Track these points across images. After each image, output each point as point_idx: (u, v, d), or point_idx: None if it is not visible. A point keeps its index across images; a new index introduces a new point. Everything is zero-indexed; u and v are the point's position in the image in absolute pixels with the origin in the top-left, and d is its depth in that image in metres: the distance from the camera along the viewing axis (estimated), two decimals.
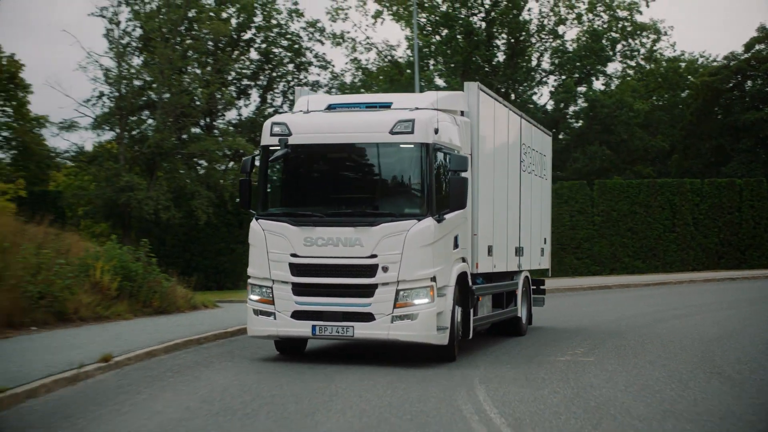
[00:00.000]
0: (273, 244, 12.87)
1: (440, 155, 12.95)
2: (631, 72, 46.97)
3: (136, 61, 40.22)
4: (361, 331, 12.52)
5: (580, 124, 44.62)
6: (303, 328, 12.72)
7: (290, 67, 43.45)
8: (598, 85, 46.32)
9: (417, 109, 13.14)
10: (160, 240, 33.26)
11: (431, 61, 43.99)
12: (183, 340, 14.83)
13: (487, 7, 43.91)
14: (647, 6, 44.38)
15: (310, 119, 13.37)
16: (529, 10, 44.47)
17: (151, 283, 18.78)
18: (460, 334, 13.50)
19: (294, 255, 12.74)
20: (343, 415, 9.38)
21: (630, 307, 23.80)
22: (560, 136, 44.44)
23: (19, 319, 14.94)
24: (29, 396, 10.16)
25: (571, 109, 44.61)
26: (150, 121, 37.25)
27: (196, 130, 39.55)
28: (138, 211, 32.56)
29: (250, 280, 13.23)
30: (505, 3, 42.89)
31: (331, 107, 13.84)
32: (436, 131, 12.78)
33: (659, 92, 47.32)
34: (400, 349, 14.16)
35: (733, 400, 10.35)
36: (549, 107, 43.31)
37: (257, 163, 13.63)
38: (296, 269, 12.76)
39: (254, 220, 13.22)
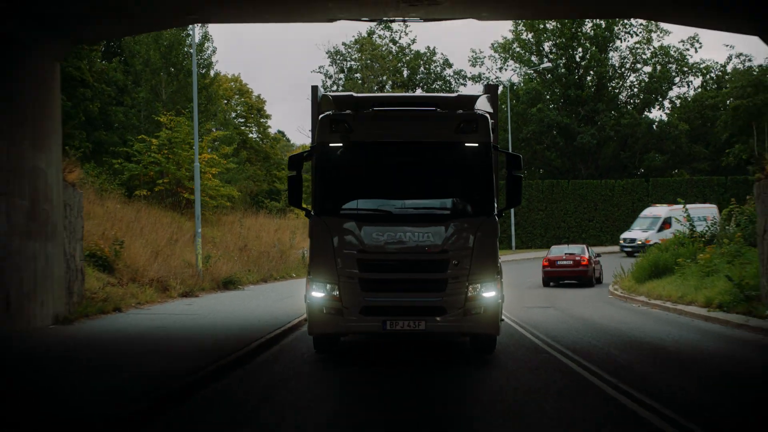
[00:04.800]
0: (339, 241, 12.91)
1: (496, 154, 13.60)
2: (686, 96, 68.26)
3: None
4: (433, 324, 12.80)
5: (642, 139, 66.40)
6: (373, 324, 12.85)
7: None
8: (666, 104, 68.01)
9: (466, 110, 13.55)
10: None
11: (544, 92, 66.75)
12: None
13: (578, 59, 66.17)
14: (696, 51, 65.41)
15: (370, 117, 13.42)
16: (611, 57, 66.36)
17: None
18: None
19: (362, 251, 12.83)
20: None
21: None
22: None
23: None
24: None
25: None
26: None
27: None
28: None
29: (312, 277, 13.09)
30: (589, 57, 65.05)
31: (377, 105, 13.86)
32: (493, 131, 13.55)
33: (705, 112, 68.01)
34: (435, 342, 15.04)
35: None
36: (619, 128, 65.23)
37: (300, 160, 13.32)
38: (365, 266, 12.87)
39: (315, 216, 13.13)
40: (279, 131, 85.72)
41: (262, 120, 72.39)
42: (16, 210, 15.01)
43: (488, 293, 12.88)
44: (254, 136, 70.55)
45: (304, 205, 13.41)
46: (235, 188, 39.60)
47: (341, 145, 13.15)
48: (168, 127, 37.32)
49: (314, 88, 14.73)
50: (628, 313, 21.46)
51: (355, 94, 15.12)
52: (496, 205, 13.29)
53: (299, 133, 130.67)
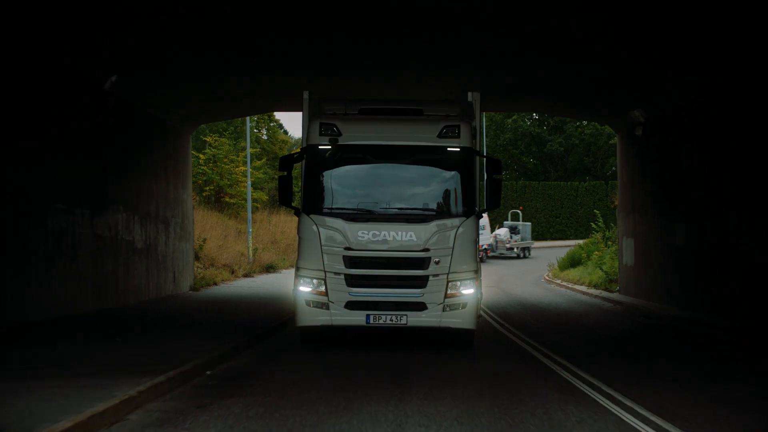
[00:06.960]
0: (327, 238, 14.06)
1: (476, 158, 14.82)
2: None
3: None
4: (414, 319, 14.03)
5: (603, 146, 78.49)
6: (357, 317, 14.05)
7: None
8: None
9: (449, 116, 14.82)
10: None
11: None
12: None
13: None
14: None
15: (357, 121, 14.72)
16: None
17: None
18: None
19: (348, 248, 13.97)
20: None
21: None
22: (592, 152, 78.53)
23: None
24: None
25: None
26: None
27: None
28: None
29: (300, 272, 14.26)
30: None
31: (365, 111, 15.13)
32: (474, 136, 14.72)
33: None
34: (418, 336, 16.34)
35: None
36: (583, 137, 77.32)
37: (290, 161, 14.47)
38: (351, 262, 14.04)
39: (304, 214, 14.24)
40: (278, 123, 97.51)
41: (272, 124, 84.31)
42: (177, 225, 27.00)
43: (467, 290, 14.28)
44: (265, 137, 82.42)
45: (292, 206, 14.77)
46: (263, 193, 51.54)
47: (330, 147, 14.30)
48: (212, 146, 49.21)
49: (307, 94, 15.70)
50: (543, 290, 33.47)
51: (344, 97, 16.69)
52: (476, 206, 14.66)
53: (297, 127, 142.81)
